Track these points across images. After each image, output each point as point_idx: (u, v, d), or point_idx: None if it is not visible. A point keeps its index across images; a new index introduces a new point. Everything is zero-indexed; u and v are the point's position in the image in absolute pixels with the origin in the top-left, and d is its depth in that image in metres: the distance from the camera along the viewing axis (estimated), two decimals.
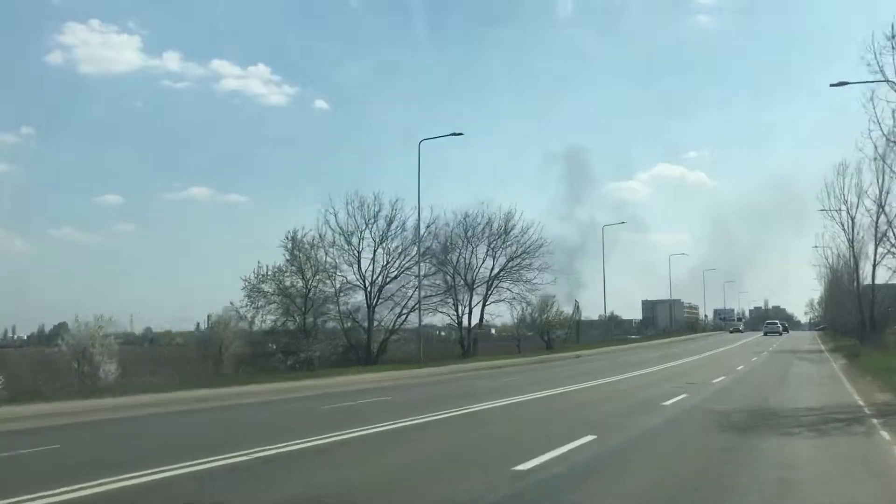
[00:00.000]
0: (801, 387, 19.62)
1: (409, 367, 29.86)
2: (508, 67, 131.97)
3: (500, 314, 51.61)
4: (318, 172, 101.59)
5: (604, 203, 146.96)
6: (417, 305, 36.00)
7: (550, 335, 63.22)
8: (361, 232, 36.01)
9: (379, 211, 36.22)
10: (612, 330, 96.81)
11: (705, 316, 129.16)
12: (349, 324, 36.17)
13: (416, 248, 36.48)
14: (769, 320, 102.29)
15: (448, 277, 46.33)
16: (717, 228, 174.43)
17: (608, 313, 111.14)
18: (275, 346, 32.66)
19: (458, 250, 46.44)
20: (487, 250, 46.92)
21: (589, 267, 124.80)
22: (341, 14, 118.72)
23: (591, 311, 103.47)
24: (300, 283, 34.96)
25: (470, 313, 46.94)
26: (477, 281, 47.27)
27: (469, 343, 46.91)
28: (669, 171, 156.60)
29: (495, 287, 48.10)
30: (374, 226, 36.25)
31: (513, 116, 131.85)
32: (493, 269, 47.56)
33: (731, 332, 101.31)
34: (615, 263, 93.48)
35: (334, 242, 35.91)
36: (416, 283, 36.93)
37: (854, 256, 48.17)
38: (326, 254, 35.76)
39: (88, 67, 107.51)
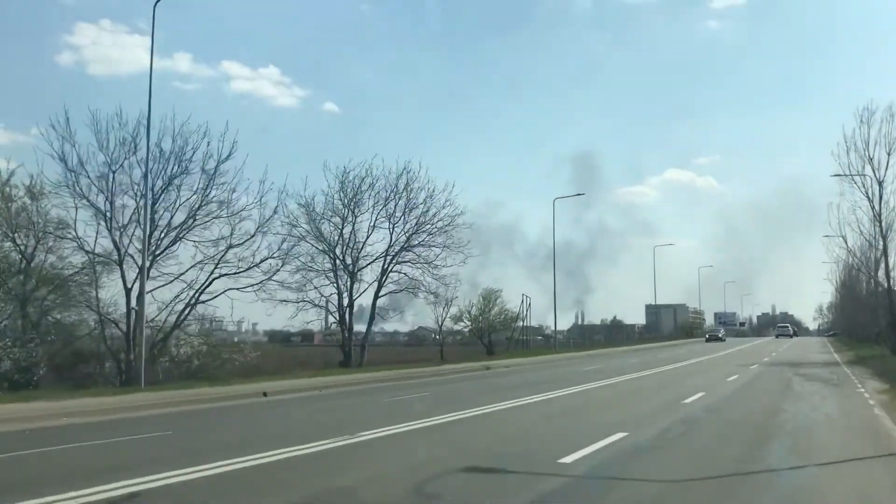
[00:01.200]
0: None
1: (123, 393, 16.93)
2: (519, 72, 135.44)
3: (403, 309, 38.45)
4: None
5: (614, 208, 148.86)
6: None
7: (492, 338, 51.04)
8: (115, 169, 22.34)
9: (161, 139, 22.69)
10: (613, 334, 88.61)
11: (702, 320, 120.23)
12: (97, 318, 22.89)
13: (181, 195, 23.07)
14: (780, 323, 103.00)
15: (329, 258, 33.67)
16: (727, 234, 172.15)
17: (612, 317, 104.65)
18: None
19: (341, 221, 33.66)
20: (373, 220, 34.02)
21: (598, 271, 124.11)
22: (352, 17, 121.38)
23: (594, 315, 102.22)
24: (14, 253, 21.98)
25: (350, 306, 33.91)
26: (364, 261, 34.44)
27: (349, 348, 33.89)
28: (679, 176, 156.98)
29: (391, 271, 35.11)
30: (136, 160, 22.51)
31: (522, 120, 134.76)
32: (390, 245, 34.65)
33: (708, 339, 74.63)
34: (623, 268, 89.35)
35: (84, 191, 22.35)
36: (234, 251, 23.82)
37: (882, 235, 34.98)
38: (77, 208, 22.48)
39: (98, 68, 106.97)
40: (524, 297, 50.12)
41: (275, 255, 23.59)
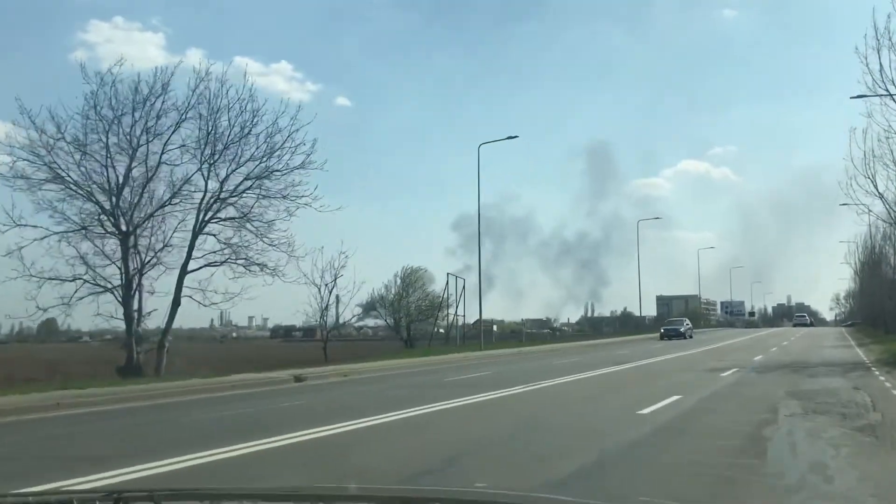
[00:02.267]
0: None
1: None
2: (532, 64, 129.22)
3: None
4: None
5: (628, 199, 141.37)
6: None
7: (412, 329, 40.36)
8: None
9: None
10: (621, 325, 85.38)
11: (707, 310, 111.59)
12: None
13: None
14: (798, 313, 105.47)
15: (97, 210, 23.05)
16: (742, 225, 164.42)
17: (623, 308, 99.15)
18: None
19: (104, 154, 22.84)
20: (159, 154, 23.11)
21: (613, 263, 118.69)
22: (364, 10, 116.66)
23: (606, 308, 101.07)
24: None
25: (129, 285, 22.85)
26: (148, 217, 23.45)
27: (132, 349, 22.92)
28: (694, 167, 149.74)
29: (203, 233, 24.08)
30: None
31: (536, 112, 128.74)
32: (204, 195, 23.78)
33: (664, 336, 47.83)
34: (636, 259, 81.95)
35: None
36: None
37: None
38: None
39: (111, 65, 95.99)
40: (449, 276, 38.46)
41: None
